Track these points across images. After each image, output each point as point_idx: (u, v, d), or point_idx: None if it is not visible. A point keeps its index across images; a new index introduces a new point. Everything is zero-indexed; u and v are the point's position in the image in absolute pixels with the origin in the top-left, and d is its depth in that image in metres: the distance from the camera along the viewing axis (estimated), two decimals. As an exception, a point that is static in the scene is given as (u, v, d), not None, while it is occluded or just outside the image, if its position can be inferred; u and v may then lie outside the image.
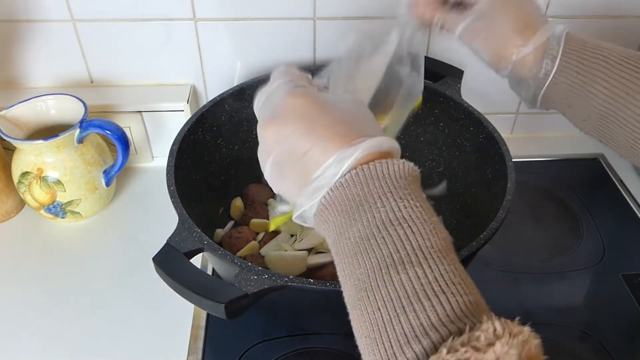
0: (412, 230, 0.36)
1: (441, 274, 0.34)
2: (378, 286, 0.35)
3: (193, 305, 0.65)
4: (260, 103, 0.46)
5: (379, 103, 0.58)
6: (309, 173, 0.41)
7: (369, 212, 0.38)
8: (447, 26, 0.59)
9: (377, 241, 0.36)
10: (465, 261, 0.55)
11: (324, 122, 0.41)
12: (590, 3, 0.84)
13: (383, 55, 0.58)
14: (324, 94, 0.45)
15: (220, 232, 0.75)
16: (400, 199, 0.38)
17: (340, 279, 0.40)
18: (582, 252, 0.77)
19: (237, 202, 0.78)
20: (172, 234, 0.55)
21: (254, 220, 0.75)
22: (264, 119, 0.44)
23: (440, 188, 0.74)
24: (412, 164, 0.41)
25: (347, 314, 0.38)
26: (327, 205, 0.40)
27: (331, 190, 0.40)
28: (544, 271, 0.74)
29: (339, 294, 0.50)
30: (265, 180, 0.45)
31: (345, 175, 0.39)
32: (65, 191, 0.75)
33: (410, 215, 0.37)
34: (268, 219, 0.76)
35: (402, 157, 0.42)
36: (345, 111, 0.43)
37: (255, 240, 0.73)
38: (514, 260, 0.76)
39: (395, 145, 0.42)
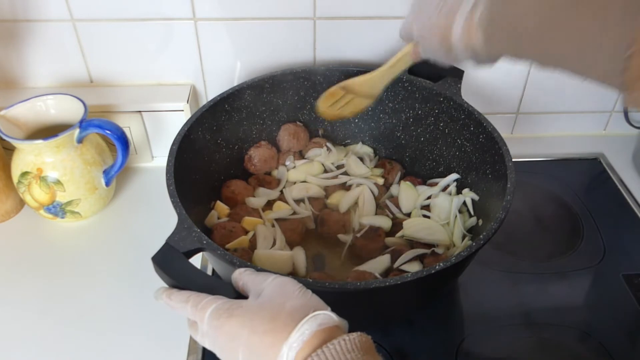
0: None
1: None
2: None
3: (193, 305, 0.65)
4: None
5: None
6: None
7: None
8: None
9: None
10: (465, 261, 0.55)
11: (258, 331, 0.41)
12: None
13: None
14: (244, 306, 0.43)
15: (214, 214, 0.73)
16: None
17: None
18: (583, 252, 0.77)
19: (219, 207, 0.75)
20: (172, 234, 0.55)
21: (247, 219, 0.73)
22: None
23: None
24: (355, 335, 0.39)
25: (346, 313, 0.38)
26: None
27: None
28: (544, 271, 0.74)
29: (338, 294, 0.50)
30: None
31: None
32: (64, 191, 0.75)
33: None
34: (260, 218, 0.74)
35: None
36: (268, 312, 0.42)
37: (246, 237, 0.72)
38: (514, 260, 0.75)
39: (330, 321, 0.41)
